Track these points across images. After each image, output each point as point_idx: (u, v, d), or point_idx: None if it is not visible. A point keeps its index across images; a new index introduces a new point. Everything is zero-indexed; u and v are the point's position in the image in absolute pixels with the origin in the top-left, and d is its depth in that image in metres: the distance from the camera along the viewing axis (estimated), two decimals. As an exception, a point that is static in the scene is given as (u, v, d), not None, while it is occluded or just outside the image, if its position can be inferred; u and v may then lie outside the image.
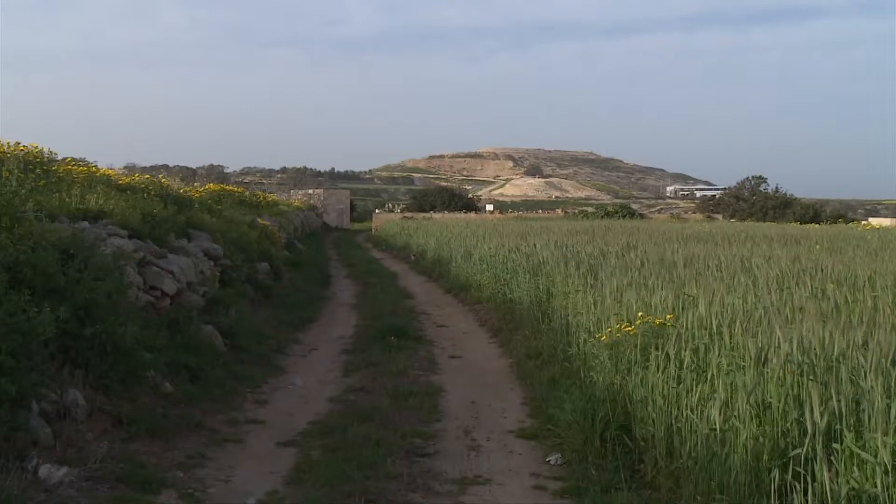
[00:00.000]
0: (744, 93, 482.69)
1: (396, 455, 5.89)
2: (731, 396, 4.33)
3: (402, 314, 13.03)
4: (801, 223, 41.71)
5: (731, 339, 4.82)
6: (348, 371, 9.01)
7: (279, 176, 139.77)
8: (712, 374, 4.80)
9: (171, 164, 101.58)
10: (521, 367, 8.90)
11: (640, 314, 6.19)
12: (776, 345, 4.29)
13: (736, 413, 4.25)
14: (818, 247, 12.94)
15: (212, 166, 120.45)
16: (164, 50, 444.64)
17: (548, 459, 5.86)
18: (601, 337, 6.47)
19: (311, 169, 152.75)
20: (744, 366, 4.44)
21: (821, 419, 3.71)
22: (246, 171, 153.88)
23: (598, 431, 5.66)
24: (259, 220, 18.44)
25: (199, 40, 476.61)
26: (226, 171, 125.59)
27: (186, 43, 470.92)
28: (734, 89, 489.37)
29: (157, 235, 9.50)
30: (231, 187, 25.39)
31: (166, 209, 11.14)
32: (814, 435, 3.71)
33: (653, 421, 5.12)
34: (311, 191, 63.55)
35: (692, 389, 4.85)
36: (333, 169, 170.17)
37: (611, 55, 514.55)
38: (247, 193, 25.49)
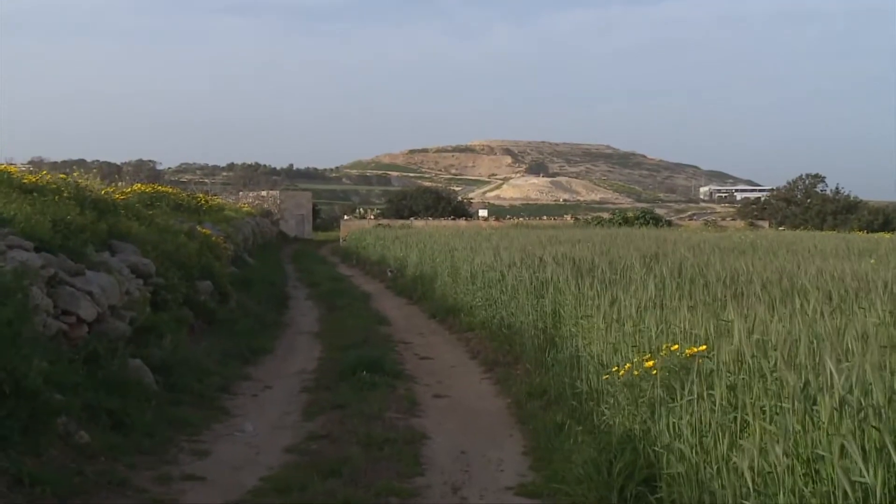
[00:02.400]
0: (797, 72, 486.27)
1: (368, 518, 5.85)
2: (773, 446, 4.33)
3: (376, 344, 13.02)
4: (868, 231, 41.97)
5: (772, 374, 4.83)
6: (310, 414, 8.98)
7: (225, 174, 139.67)
8: (746, 418, 4.81)
9: (88, 160, 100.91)
10: (522, 408, 8.91)
11: (665, 345, 6.20)
12: (828, 382, 4.29)
13: (775, 467, 4.25)
14: (872, 261, 13.00)
15: (140, 162, 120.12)
16: (78, 16, 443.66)
17: (554, 523, 5.84)
18: (618, 371, 6.48)
19: (264, 166, 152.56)
20: (786, 407, 4.44)
21: (887, 477, 3.70)
22: (183, 168, 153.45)
23: (615, 488, 5.66)
24: (200, 228, 18.39)
25: (123, 4, 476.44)
26: (158, 167, 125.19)
27: (106, 7, 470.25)
28: (785, 68, 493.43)
29: (73, 248, 9.44)
30: (165, 188, 25.36)
31: (83, 215, 11.09)
32: (878, 498, 3.71)
33: (679, 475, 5.12)
34: (264, 192, 63.49)
35: (723, 437, 4.86)
36: (292, 166, 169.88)
37: (632, 27, 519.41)
38: (185, 195, 25.44)
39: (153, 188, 22.80)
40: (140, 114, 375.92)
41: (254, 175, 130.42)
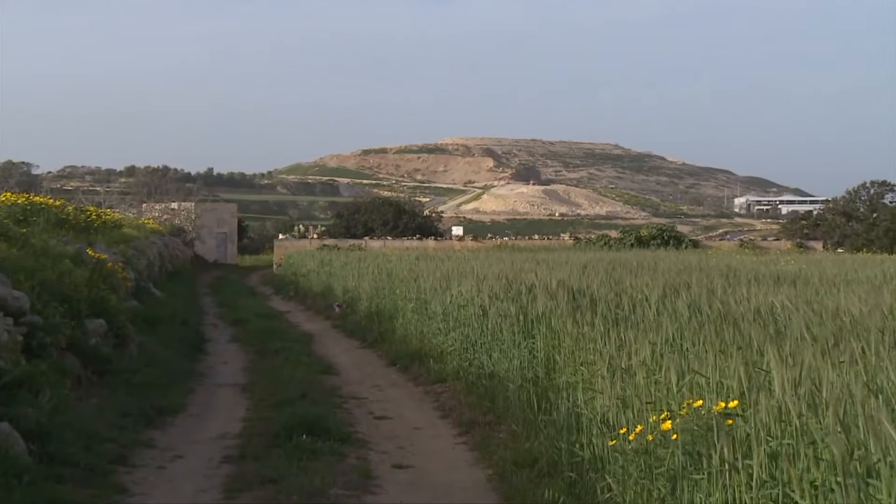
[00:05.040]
0: (861, 54, 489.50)
1: None
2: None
3: (319, 399, 13.01)
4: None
5: (824, 439, 4.87)
6: (233, 491, 8.92)
7: (123, 181, 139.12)
8: (791, 495, 4.84)
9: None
10: (506, 481, 8.91)
11: (687, 400, 6.23)
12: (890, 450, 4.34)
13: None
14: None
15: (10, 164, 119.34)
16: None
17: None
18: (627, 434, 6.50)
19: (175, 170, 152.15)
20: (841, 482, 4.48)
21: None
22: (69, 173, 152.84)
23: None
24: (91, 251, 18.26)
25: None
26: (34, 171, 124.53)
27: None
28: (845, 48, 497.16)
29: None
30: (44, 198, 25.10)
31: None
32: None
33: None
34: (175, 204, 63.32)
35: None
36: (212, 170, 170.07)
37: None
38: (70, 208, 25.22)
39: (27, 198, 22.55)
40: (8, 104, 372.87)
41: (161, 182, 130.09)
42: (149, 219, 50.43)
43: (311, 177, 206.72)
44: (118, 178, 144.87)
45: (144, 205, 65.15)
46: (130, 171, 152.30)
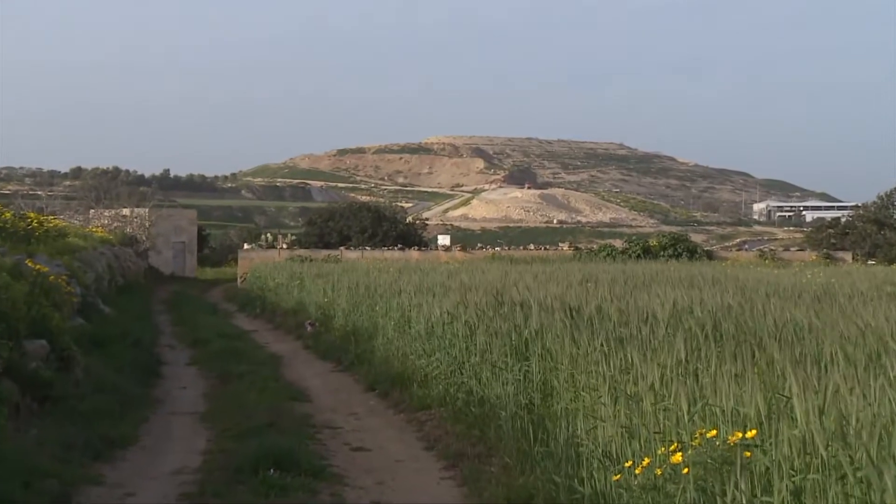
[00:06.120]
0: (888, 36, 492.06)
1: None
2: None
3: (288, 429, 13.01)
4: None
5: (855, 473, 4.87)
6: (190, 535, 8.90)
7: (69, 184, 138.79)
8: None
9: None
10: (500, 522, 8.89)
11: (700, 430, 6.24)
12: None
13: None
14: None
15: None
16: None
17: None
18: (633, 468, 6.50)
19: (127, 172, 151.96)
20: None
21: None
22: (6, 175, 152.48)
23: None
24: (31, 263, 18.22)
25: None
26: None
27: None
28: (869, 30, 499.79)
29: None
30: (-21, 204, 25.08)
31: None
32: None
33: None
34: (126, 211, 63.15)
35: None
36: (168, 172, 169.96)
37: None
38: (8, 215, 25.19)
39: (-40, 204, 22.55)
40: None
41: (112, 185, 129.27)
42: (97, 227, 50.36)
43: (280, 179, 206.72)
44: (62, 181, 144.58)
45: (92, 211, 64.91)
46: (76, 172, 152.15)
